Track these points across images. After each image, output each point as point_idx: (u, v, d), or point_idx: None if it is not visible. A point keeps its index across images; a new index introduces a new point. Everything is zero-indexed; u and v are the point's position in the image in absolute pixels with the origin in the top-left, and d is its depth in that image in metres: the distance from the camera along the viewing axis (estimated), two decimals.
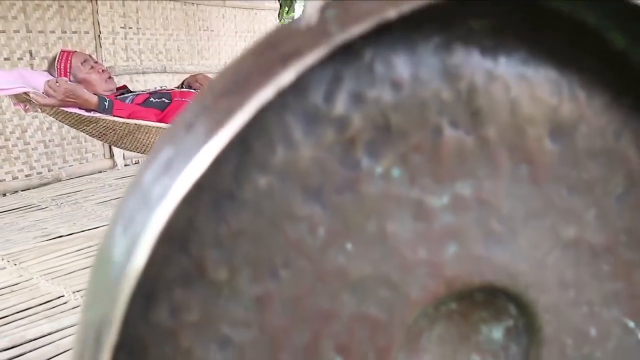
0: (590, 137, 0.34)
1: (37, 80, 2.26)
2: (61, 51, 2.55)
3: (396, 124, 0.29)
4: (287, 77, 0.21)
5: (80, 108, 2.22)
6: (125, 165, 3.97)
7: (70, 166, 3.64)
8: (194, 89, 2.73)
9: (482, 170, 0.32)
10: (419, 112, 0.29)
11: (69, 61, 2.50)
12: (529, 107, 0.32)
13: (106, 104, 2.24)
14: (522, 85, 0.32)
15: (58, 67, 2.48)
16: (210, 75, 2.86)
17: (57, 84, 2.12)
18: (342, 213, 0.29)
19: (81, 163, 3.71)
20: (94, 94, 2.45)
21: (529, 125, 0.32)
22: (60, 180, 3.55)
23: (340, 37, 0.22)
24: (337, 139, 0.28)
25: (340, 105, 0.28)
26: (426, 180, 0.31)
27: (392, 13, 0.22)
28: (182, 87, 2.79)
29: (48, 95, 2.13)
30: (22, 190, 3.33)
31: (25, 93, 2.14)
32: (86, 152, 3.74)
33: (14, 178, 3.33)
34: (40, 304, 1.78)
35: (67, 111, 2.22)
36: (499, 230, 0.33)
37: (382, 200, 0.30)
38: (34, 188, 3.39)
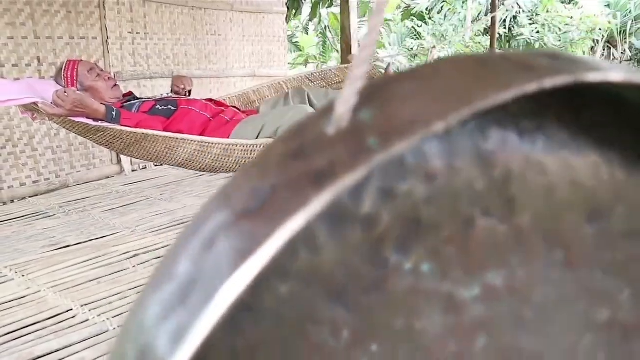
0: (627, 218, 0.32)
1: (45, 90, 2.26)
2: (67, 60, 2.55)
3: (427, 217, 0.27)
4: (320, 202, 0.19)
5: (88, 118, 2.21)
6: (132, 171, 3.97)
7: (77, 172, 3.64)
8: (178, 93, 2.71)
9: (514, 259, 0.30)
10: (452, 203, 0.28)
11: (75, 70, 2.50)
12: (566, 191, 0.30)
13: (114, 113, 2.24)
14: (560, 169, 0.30)
15: (65, 75, 2.48)
16: (188, 76, 2.84)
17: (66, 94, 2.11)
18: (367, 313, 0.27)
19: (88, 169, 3.71)
20: (101, 102, 2.44)
21: (565, 210, 0.30)
22: (67, 187, 3.56)
23: (382, 155, 0.20)
24: (364, 238, 0.26)
25: (369, 202, 0.26)
26: (457, 273, 0.29)
27: (439, 126, 0.20)
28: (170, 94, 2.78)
29: (56, 105, 2.12)
30: (29, 197, 3.34)
31: (33, 103, 2.13)
32: (94, 158, 3.74)
33: (22, 184, 3.34)
34: (48, 318, 1.77)
35: (74, 121, 2.21)
36: (531, 319, 0.31)
37: (411, 296, 0.28)
38: (41, 194, 3.39)
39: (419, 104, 0.22)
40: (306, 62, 11.34)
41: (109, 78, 2.61)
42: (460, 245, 0.29)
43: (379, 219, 0.27)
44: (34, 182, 3.40)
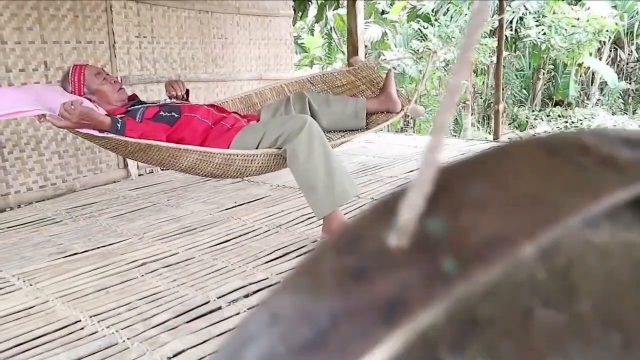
0: None
1: (52, 99, 2.25)
2: (74, 65, 2.55)
3: (484, 314, 0.26)
4: (393, 344, 0.17)
5: (94, 129, 2.22)
6: (139, 175, 3.96)
7: (84, 177, 3.63)
8: (172, 98, 2.70)
9: (572, 346, 0.28)
10: (510, 296, 0.26)
11: (82, 74, 2.51)
12: (629, 273, 0.28)
13: (119, 125, 2.24)
14: (623, 250, 0.28)
15: (72, 80, 2.49)
16: (180, 81, 2.80)
17: (72, 107, 2.11)
18: None
19: (95, 173, 3.70)
20: (107, 111, 2.45)
21: (626, 292, 0.29)
22: (74, 191, 3.55)
23: (463, 284, 0.18)
24: (417, 342, 0.25)
25: None
26: None
27: (527, 248, 0.18)
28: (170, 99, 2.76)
29: (63, 117, 2.13)
30: (36, 202, 3.33)
31: (42, 114, 2.15)
32: (100, 163, 3.73)
33: (29, 189, 3.33)
34: (57, 330, 1.75)
35: (81, 131, 2.22)
36: None
37: None
38: (48, 199, 3.39)
39: (498, 215, 0.20)
40: (311, 64, 11.31)
41: (114, 82, 2.62)
42: (517, 338, 0.27)
43: (434, 322, 0.25)
44: (40, 187, 3.39)
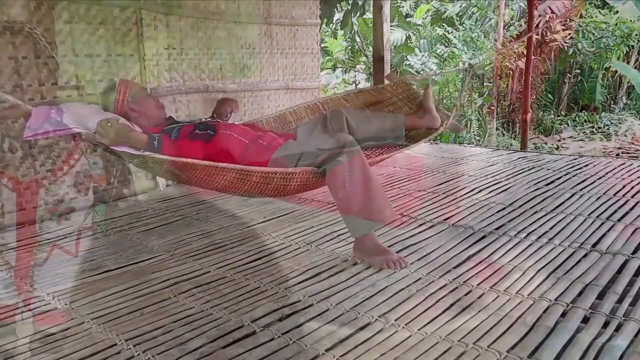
0: None
1: (88, 117, 2.25)
2: (119, 80, 2.57)
3: None
4: None
5: (130, 146, 2.20)
6: (167, 186, 3.98)
7: (114, 187, 3.66)
8: (221, 115, 2.68)
9: None
10: None
11: (125, 91, 2.51)
12: None
13: (155, 142, 2.23)
14: None
15: (117, 97, 2.49)
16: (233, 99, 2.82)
17: (109, 124, 2.10)
18: None
19: (124, 184, 3.73)
20: (144, 129, 2.45)
21: None
22: (104, 203, 3.58)
23: None
24: None
25: None
26: None
27: None
28: (214, 117, 2.76)
29: (100, 135, 2.11)
30: (66, 214, 3.37)
31: (78, 133, 2.14)
32: (129, 174, 3.76)
33: (60, 201, 3.37)
34: (93, 354, 1.74)
35: (117, 149, 2.21)
36: None
37: None
38: (78, 211, 3.42)
39: None
40: (334, 67, 11.29)
41: (157, 100, 2.64)
42: None
43: None
44: (71, 198, 3.43)
